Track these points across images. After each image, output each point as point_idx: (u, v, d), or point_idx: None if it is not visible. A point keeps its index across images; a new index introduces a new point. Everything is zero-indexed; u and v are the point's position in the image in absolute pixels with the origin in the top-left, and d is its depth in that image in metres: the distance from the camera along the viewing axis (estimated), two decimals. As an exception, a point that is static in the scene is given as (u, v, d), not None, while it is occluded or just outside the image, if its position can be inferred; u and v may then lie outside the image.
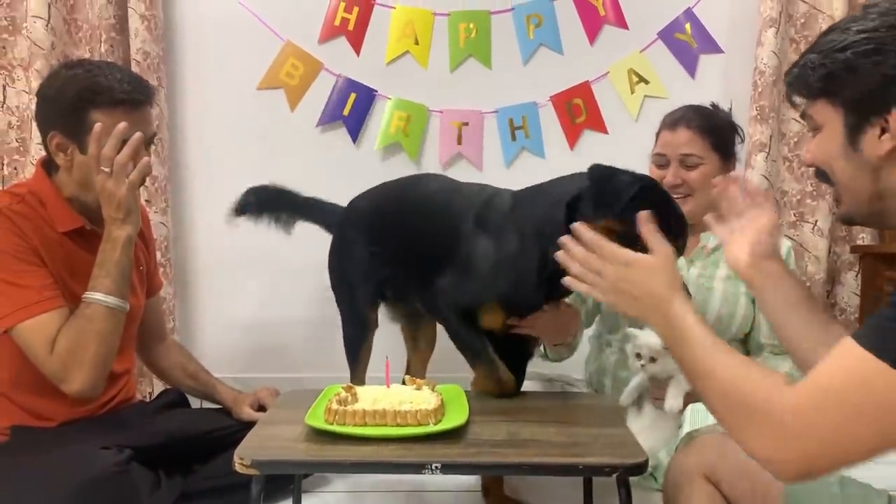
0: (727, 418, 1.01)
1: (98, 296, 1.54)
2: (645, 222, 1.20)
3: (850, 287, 2.57)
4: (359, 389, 1.38)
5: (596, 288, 1.20)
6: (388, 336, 1.93)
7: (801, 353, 1.24)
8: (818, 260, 2.51)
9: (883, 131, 1.00)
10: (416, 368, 2.01)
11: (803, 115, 1.13)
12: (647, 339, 1.65)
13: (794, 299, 1.26)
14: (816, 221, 2.52)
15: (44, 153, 1.67)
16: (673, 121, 1.83)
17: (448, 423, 1.32)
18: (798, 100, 1.11)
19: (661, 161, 1.82)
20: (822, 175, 1.12)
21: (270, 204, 2.07)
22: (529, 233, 1.51)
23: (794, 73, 1.10)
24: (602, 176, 1.45)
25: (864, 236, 2.53)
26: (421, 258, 1.70)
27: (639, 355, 1.67)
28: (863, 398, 0.88)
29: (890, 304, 0.91)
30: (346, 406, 1.34)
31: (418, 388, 1.45)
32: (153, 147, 1.72)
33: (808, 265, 2.52)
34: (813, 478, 0.95)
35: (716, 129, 1.82)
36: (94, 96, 1.58)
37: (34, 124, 2.25)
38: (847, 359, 0.91)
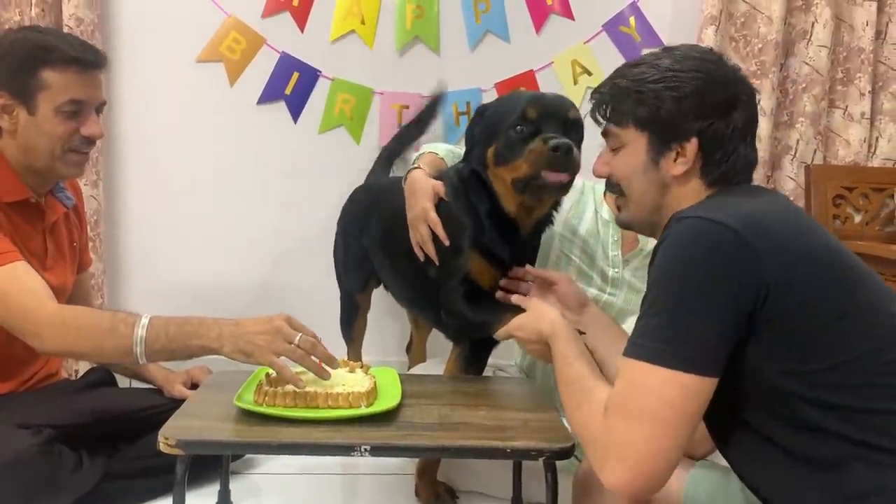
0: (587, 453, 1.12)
1: (141, 334, 1.39)
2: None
3: (786, 171, 2.58)
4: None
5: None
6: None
7: None
8: (759, 138, 2.46)
9: (678, 155, 1.17)
10: (417, 346, 2.31)
11: (605, 134, 1.27)
12: None
13: (614, 335, 1.45)
14: (759, 101, 2.45)
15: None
16: None
17: (380, 405, 1.33)
18: (601, 118, 1.26)
19: None
20: (613, 186, 1.27)
21: None
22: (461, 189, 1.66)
23: (606, 95, 1.24)
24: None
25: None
26: (402, 254, 1.76)
27: None
28: (636, 396, 1.03)
29: (638, 318, 1.07)
30: (276, 387, 1.33)
31: (352, 371, 1.45)
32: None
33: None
34: (652, 485, 1.03)
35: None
36: (46, 54, 1.55)
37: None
38: (620, 373, 1.06)
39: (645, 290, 1.80)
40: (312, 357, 1.36)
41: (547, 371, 1.90)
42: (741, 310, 1.01)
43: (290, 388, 1.32)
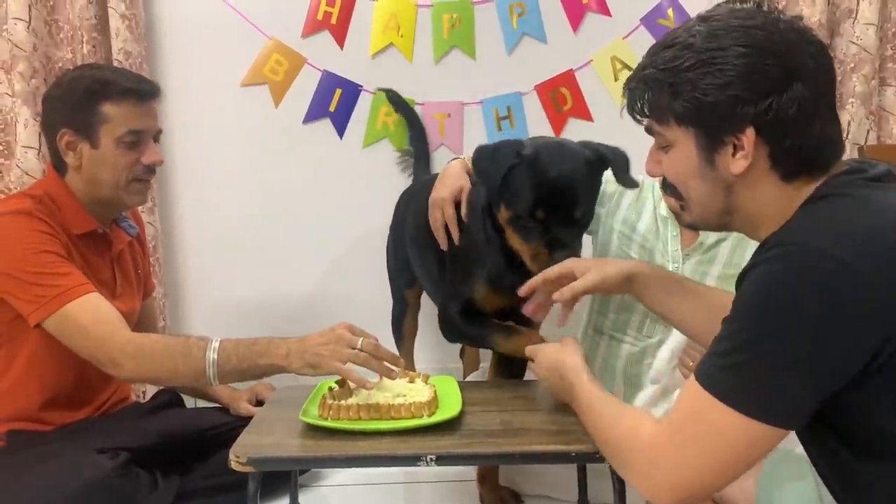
0: (613, 463, 1.13)
1: (212, 357, 1.45)
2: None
3: None
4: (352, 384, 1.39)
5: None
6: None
7: (696, 329, 1.36)
8: None
9: (735, 149, 1.00)
10: (470, 351, 2.37)
11: (649, 130, 1.10)
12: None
13: (670, 289, 1.38)
14: None
15: (49, 158, 1.71)
16: None
17: (442, 414, 1.34)
18: (638, 115, 1.09)
19: None
20: (669, 188, 1.12)
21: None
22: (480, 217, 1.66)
23: (637, 90, 1.07)
24: (480, 156, 1.56)
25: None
26: (427, 253, 1.82)
27: None
28: (700, 429, 0.95)
29: (718, 339, 0.96)
30: (340, 401, 1.35)
31: (411, 381, 1.47)
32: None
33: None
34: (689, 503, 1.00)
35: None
36: (104, 88, 1.61)
37: (18, 127, 2.28)
38: (688, 393, 0.99)
39: (706, 283, 1.80)
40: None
41: (604, 372, 1.89)
42: (847, 367, 0.88)
43: (353, 401, 1.35)
